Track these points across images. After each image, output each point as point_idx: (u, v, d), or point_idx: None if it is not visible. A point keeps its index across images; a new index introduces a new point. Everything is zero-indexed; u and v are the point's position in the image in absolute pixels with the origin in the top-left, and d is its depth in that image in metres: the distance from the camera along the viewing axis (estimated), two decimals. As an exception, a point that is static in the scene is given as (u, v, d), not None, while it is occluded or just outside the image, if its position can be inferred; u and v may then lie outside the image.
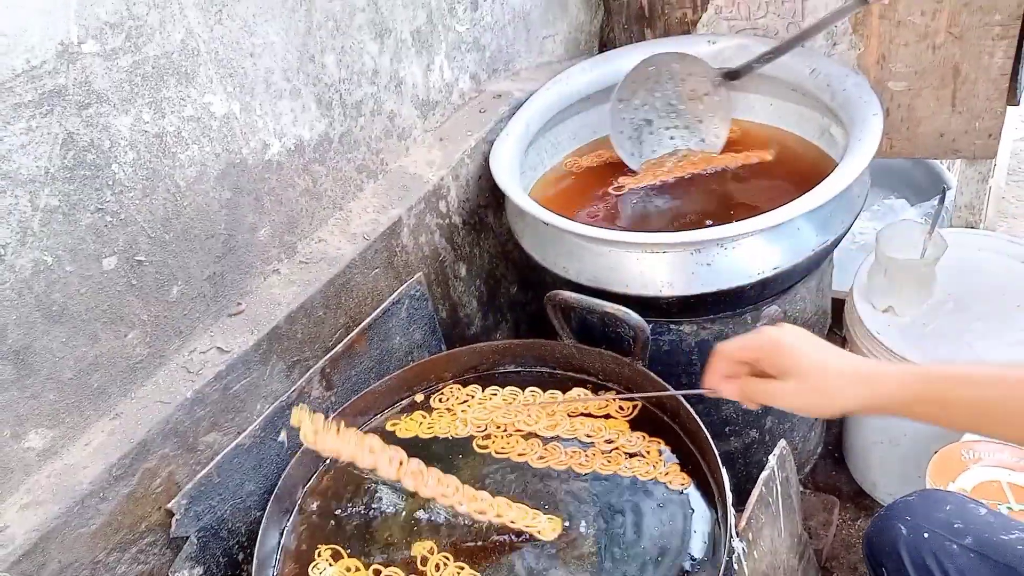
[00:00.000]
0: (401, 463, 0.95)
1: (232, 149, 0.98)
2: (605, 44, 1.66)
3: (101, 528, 0.86)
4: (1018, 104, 1.40)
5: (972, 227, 1.54)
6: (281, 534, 0.99)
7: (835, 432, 1.63)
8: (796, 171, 1.32)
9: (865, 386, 0.77)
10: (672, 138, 1.42)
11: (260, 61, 0.98)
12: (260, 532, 0.94)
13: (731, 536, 0.88)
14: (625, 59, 1.45)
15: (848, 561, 1.48)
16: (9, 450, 0.82)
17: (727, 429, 1.35)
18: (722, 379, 0.87)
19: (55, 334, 0.83)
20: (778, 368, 0.81)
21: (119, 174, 0.85)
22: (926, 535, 0.89)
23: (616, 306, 1.02)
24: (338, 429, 0.93)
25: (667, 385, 1.02)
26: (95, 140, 0.82)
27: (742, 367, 0.86)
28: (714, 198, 1.32)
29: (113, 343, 0.89)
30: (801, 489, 1.55)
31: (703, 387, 0.89)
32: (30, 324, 0.81)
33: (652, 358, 1.08)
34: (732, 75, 1.33)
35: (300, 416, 0.91)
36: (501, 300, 1.48)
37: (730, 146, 1.39)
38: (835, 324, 1.46)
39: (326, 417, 0.99)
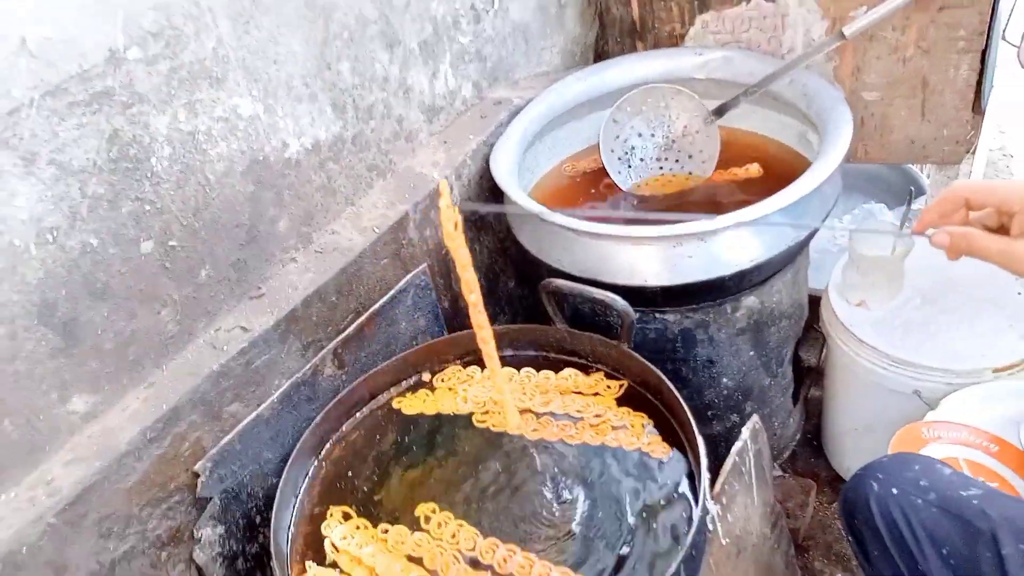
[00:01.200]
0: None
1: (256, 147, 1.08)
2: (599, 55, 1.77)
3: (136, 485, 0.95)
4: (983, 113, 1.50)
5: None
6: (296, 497, 1.09)
7: (814, 422, 1.73)
8: (776, 173, 1.42)
9: None
10: (661, 169, 1.52)
11: (283, 68, 1.08)
12: (277, 493, 1.03)
13: (706, 499, 0.98)
14: (618, 69, 1.56)
15: (824, 540, 1.57)
16: (56, 412, 0.91)
17: (709, 414, 1.44)
18: (941, 219, 0.80)
19: (98, 309, 0.93)
20: None
21: (156, 167, 0.95)
22: (895, 491, 0.98)
23: (603, 292, 1.11)
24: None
25: (654, 368, 1.11)
26: (137, 136, 0.92)
27: (963, 212, 0.78)
28: (699, 196, 1.42)
29: (148, 319, 0.99)
30: (780, 473, 1.64)
31: (917, 228, 0.80)
32: (77, 299, 0.91)
33: (639, 345, 1.17)
34: (720, 111, 1.43)
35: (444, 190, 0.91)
36: (499, 293, 1.58)
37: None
38: (813, 319, 1.55)
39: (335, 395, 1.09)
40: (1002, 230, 0.81)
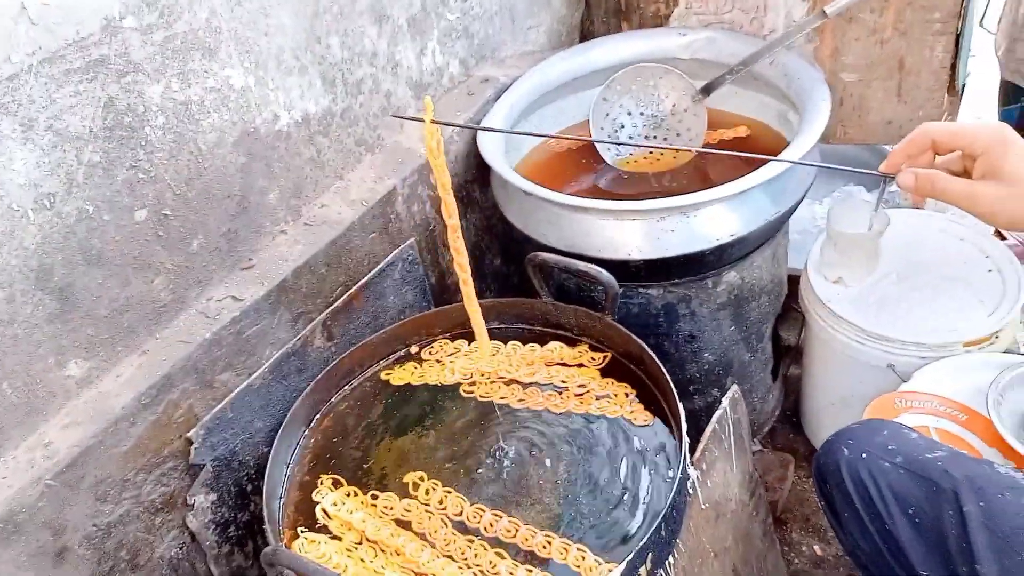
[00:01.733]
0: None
1: (247, 119, 1.09)
2: (585, 35, 1.79)
3: (131, 450, 0.97)
4: (958, 95, 1.54)
5: (917, 208, 1.68)
6: (287, 466, 1.11)
7: (792, 399, 1.77)
8: (757, 151, 1.45)
9: None
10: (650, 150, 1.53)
11: (273, 40, 1.09)
12: (269, 461, 1.05)
13: (686, 464, 1.01)
14: (602, 49, 1.58)
15: (801, 513, 1.62)
16: (53, 376, 0.93)
17: (691, 388, 1.48)
18: (908, 159, 0.82)
19: (93, 275, 0.94)
20: (994, 167, 0.74)
21: (150, 136, 0.97)
22: (864, 455, 1.01)
23: (588, 264, 1.14)
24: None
25: (637, 339, 1.14)
26: (131, 105, 0.93)
27: (929, 155, 0.80)
28: (682, 174, 1.45)
29: (142, 287, 1.00)
30: (760, 448, 1.69)
31: (885, 167, 0.82)
32: (73, 265, 0.92)
33: (622, 320, 1.19)
34: (707, 89, 1.46)
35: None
36: (485, 270, 1.60)
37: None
38: (792, 298, 1.59)
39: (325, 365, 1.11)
40: (966, 175, 0.83)
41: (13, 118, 0.82)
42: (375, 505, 1.04)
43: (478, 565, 0.94)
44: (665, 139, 1.52)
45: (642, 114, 1.52)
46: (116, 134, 0.93)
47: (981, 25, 1.50)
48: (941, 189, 0.80)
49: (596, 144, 1.51)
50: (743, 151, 1.40)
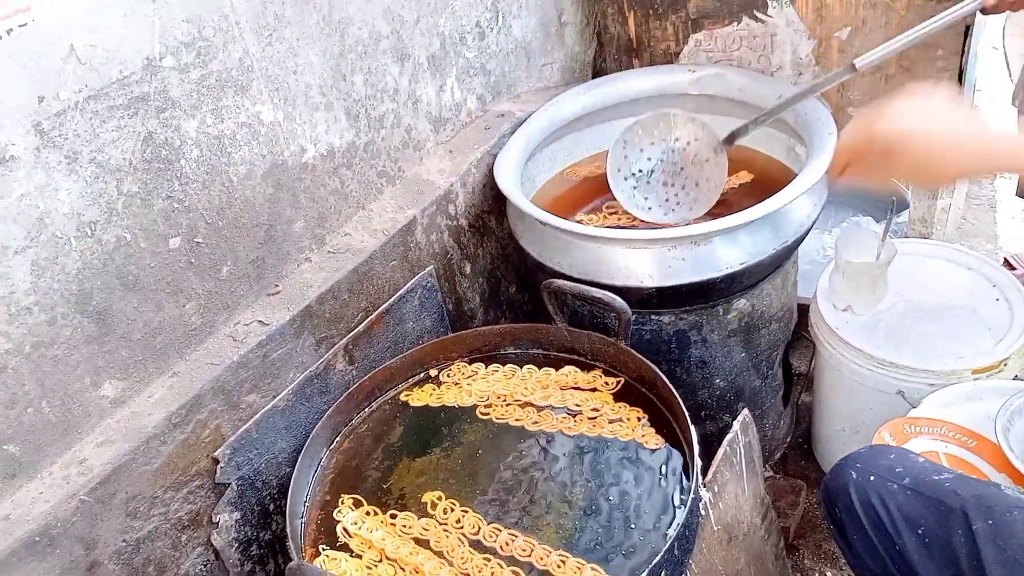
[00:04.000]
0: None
1: (276, 152, 1.14)
2: (597, 72, 1.85)
3: (161, 468, 1.01)
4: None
5: (925, 238, 1.71)
6: (308, 486, 1.14)
7: (804, 426, 1.79)
8: (766, 184, 1.49)
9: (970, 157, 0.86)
10: (667, 198, 1.52)
11: (301, 78, 1.15)
12: (291, 480, 1.09)
13: (698, 485, 1.04)
14: (614, 85, 1.64)
15: (814, 539, 1.63)
16: (89, 396, 0.97)
17: (702, 414, 1.50)
18: (840, 169, 0.96)
19: (129, 300, 0.99)
20: (891, 155, 0.87)
21: (185, 168, 1.02)
22: (872, 478, 1.04)
23: (602, 291, 1.18)
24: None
25: (649, 363, 1.17)
26: (168, 139, 0.99)
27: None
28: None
29: (174, 311, 1.05)
30: (772, 474, 1.70)
31: (831, 175, 0.98)
32: (111, 290, 0.97)
33: (635, 346, 1.22)
34: (730, 139, 1.44)
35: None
36: (501, 298, 1.64)
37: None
38: (803, 326, 1.62)
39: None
40: None
41: (59, 151, 0.87)
42: (394, 524, 1.07)
43: (495, 582, 0.97)
44: (683, 187, 1.53)
45: (662, 160, 1.53)
46: (154, 166, 0.98)
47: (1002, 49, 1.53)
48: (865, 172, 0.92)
49: (614, 190, 1.51)
50: (749, 192, 1.42)
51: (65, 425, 0.95)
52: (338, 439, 1.20)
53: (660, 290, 1.27)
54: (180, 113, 0.99)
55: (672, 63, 1.70)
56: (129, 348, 1.00)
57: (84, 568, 0.95)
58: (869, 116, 0.91)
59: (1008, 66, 1.84)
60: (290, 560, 0.96)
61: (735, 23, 1.58)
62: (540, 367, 1.26)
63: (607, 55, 1.80)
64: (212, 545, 1.10)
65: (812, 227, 1.34)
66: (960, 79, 1.48)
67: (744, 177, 1.52)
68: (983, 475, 1.19)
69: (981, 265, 1.52)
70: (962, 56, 1.44)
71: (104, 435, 0.98)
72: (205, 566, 1.11)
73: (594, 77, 1.84)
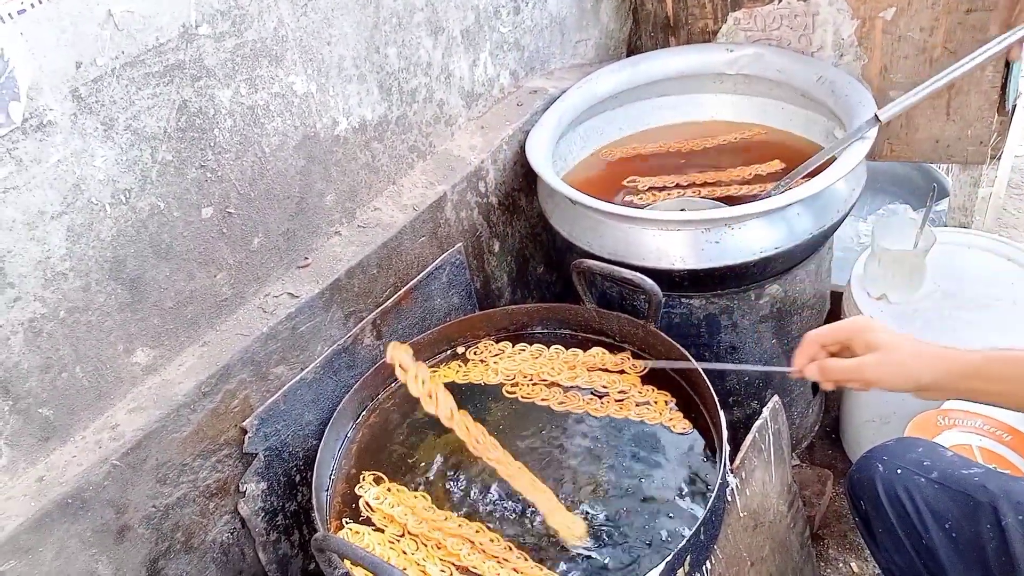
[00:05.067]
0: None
1: (308, 123, 1.14)
2: (633, 50, 1.82)
3: (190, 435, 1.02)
4: (1008, 114, 1.53)
5: (965, 227, 1.67)
6: (334, 459, 1.15)
7: (833, 415, 1.76)
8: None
9: (941, 361, 0.90)
10: None
11: (335, 49, 1.14)
12: (318, 453, 1.09)
13: (726, 471, 1.02)
14: (650, 63, 1.61)
15: (839, 529, 1.61)
16: (121, 363, 0.98)
17: (731, 400, 1.49)
18: (807, 362, 0.98)
19: (161, 268, 1.00)
20: (866, 343, 0.92)
21: (219, 138, 1.02)
22: (899, 471, 1.02)
23: (632, 272, 1.16)
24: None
25: (679, 346, 1.15)
26: (203, 108, 0.99)
27: (823, 352, 0.98)
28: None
29: (205, 281, 1.05)
30: (799, 463, 1.68)
31: (793, 368, 1.00)
32: (143, 258, 0.97)
33: (663, 330, 1.21)
34: None
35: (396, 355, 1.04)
36: (529, 277, 1.63)
37: (742, 154, 1.53)
38: (835, 314, 1.59)
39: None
40: None
41: (96, 117, 0.88)
42: (415, 504, 1.07)
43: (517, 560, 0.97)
44: None
45: None
46: (188, 135, 0.98)
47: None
48: (832, 368, 0.95)
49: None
50: (784, 176, 1.39)
51: (98, 390, 0.96)
52: (364, 413, 1.21)
53: (692, 273, 1.26)
54: (215, 82, 0.99)
55: (709, 42, 1.66)
56: (161, 316, 1.01)
57: (115, 531, 0.96)
58: (851, 318, 0.99)
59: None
60: (315, 532, 0.96)
61: (776, 1, 1.54)
62: (568, 348, 1.25)
63: (643, 32, 1.77)
64: (239, 513, 1.11)
65: (850, 212, 1.31)
66: (1007, 63, 1.43)
67: (775, 166, 1.49)
68: (1018, 470, 1.17)
69: (1022, 256, 1.48)
70: (1007, 64, 1.40)
71: (136, 401, 0.99)
72: (232, 534, 1.12)
73: (629, 55, 1.81)
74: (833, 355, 0.98)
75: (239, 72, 1.02)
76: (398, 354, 1.12)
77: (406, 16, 1.25)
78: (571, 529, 0.98)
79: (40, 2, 0.80)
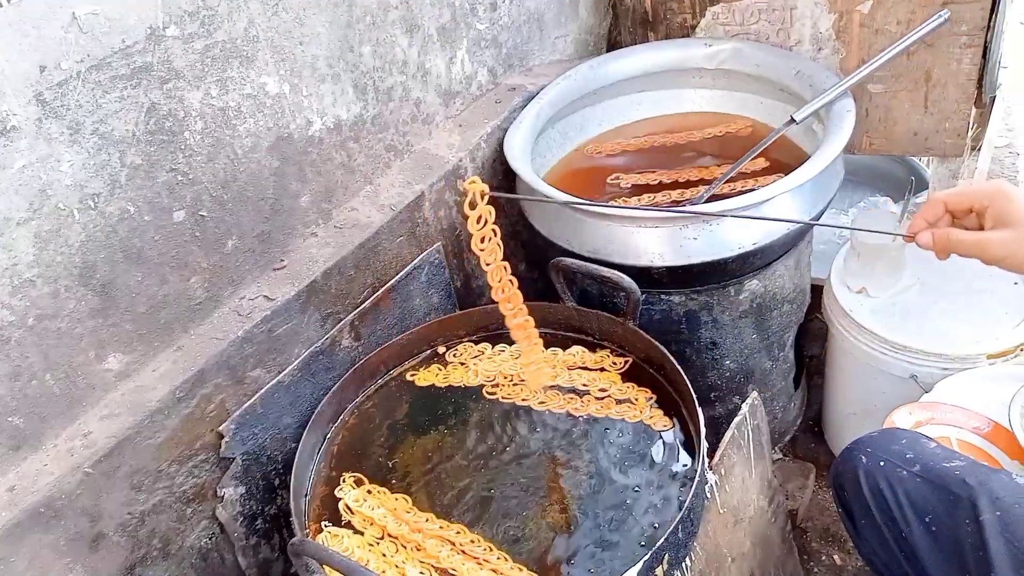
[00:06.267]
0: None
1: (281, 124, 1.13)
2: (612, 45, 1.81)
3: (165, 441, 1.01)
4: (985, 108, 1.54)
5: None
6: (313, 461, 1.14)
7: (815, 408, 1.77)
8: (781, 162, 1.46)
9: None
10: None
11: (308, 48, 1.13)
12: (296, 457, 1.08)
13: (704, 467, 1.02)
14: (629, 59, 1.60)
15: (822, 522, 1.62)
16: (92, 369, 0.97)
17: (712, 396, 1.49)
18: (927, 226, 0.91)
19: (133, 274, 0.98)
20: (1000, 215, 0.83)
21: (190, 140, 1.01)
22: (882, 463, 1.02)
23: (610, 270, 1.16)
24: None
25: (657, 343, 1.15)
26: (172, 110, 0.97)
27: (946, 219, 0.90)
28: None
29: (178, 285, 1.04)
30: (781, 456, 1.69)
31: (909, 232, 0.92)
32: (114, 263, 0.96)
33: (644, 327, 1.21)
34: None
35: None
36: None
37: (724, 149, 1.53)
38: (816, 307, 1.60)
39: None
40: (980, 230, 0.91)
41: (62, 122, 0.86)
42: (395, 508, 1.06)
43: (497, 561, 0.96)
44: None
45: None
46: (157, 138, 0.96)
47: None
48: (956, 241, 0.88)
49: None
50: (764, 179, 1.39)
51: (69, 398, 0.95)
52: (343, 416, 1.20)
53: (671, 269, 1.25)
54: (184, 84, 0.98)
55: (688, 36, 1.66)
56: (133, 322, 1.00)
57: (89, 539, 0.95)
58: (986, 182, 0.88)
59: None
60: (294, 536, 0.95)
61: (754, -4, 1.54)
62: (547, 346, 1.25)
63: (622, 28, 1.77)
64: (217, 519, 1.11)
65: (827, 207, 1.31)
66: (984, 55, 1.44)
67: (759, 163, 1.48)
68: (996, 462, 1.17)
69: (1000, 248, 1.49)
70: (987, 31, 1.40)
71: (108, 408, 0.98)
72: (210, 539, 1.11)
73: (608, 50, 1.80)
74: (955, 221, 0.88)
75: (209, 74, 1.00)
76: (476, 187, 1.06)
77: (380, 14, 1.24)
78: None
79: (1, 5, 0.79)
